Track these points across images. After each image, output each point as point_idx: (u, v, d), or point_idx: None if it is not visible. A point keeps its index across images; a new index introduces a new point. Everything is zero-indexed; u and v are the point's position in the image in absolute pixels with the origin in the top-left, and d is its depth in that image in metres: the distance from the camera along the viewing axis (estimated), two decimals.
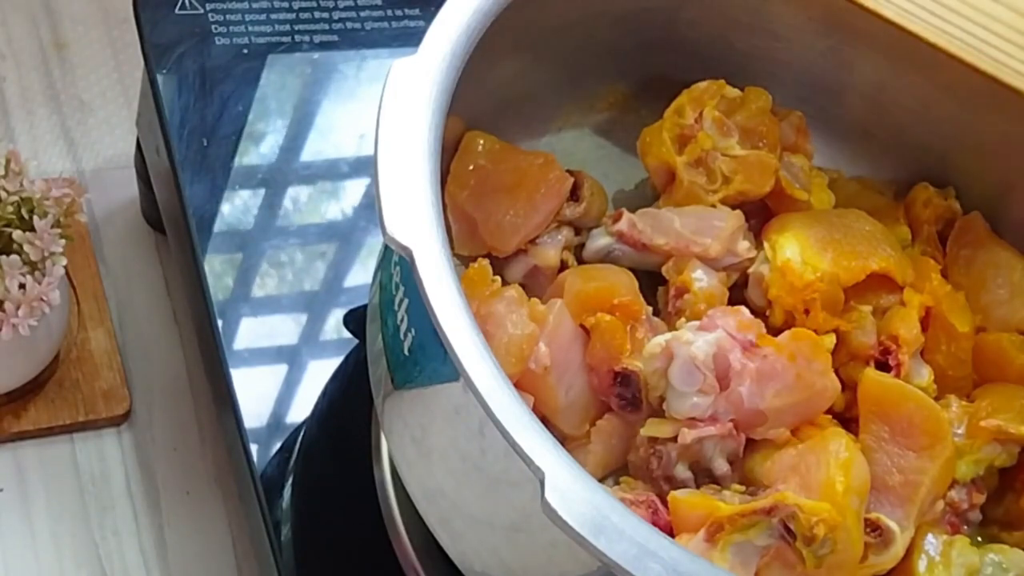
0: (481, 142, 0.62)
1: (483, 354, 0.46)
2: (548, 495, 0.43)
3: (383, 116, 0.50)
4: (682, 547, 0.45)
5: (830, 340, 0.59)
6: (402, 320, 0.52)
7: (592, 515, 0.43)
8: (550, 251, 0.62)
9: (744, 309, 0.58)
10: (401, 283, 0.53)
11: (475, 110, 0.61)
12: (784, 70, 0.70)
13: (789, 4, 0.68)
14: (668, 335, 0.57)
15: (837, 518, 0.51)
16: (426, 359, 0.50)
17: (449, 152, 0.61)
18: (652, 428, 0.56)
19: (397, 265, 0.53)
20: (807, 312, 0.59)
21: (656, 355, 0.56)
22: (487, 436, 0.47)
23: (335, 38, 0.81)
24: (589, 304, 0.58)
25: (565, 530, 0.43)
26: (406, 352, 0.52)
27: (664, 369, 0.56)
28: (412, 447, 0.54)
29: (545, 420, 0.55)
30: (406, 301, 0.52)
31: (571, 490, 0.44)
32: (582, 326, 0.58)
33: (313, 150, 0.77)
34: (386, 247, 0.56)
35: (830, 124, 0.70)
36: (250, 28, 0.80)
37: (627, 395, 0.57)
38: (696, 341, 0.55)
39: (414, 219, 0.48)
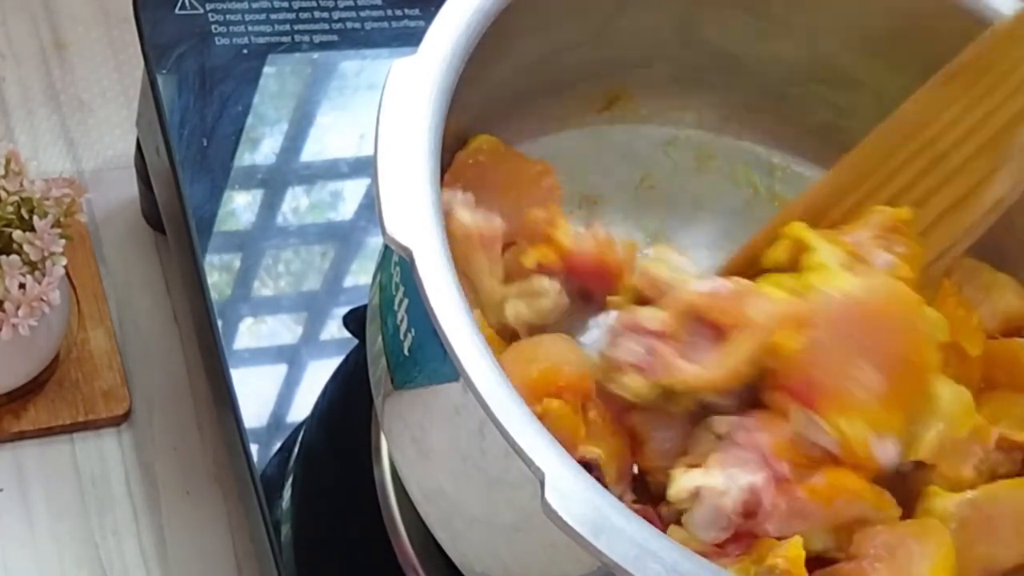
0: (486, 142, 0.62)
1: (483, 354, 0.46)
2: (548, 495, 0.43)
3: (383, 116, 0.51)
4: (682, 547, 0.45)
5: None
6: (402, 320, 0.52)
7: (592, 515, 0.43)
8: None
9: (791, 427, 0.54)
10: (401, 283, 0.53)
11: (475, 110, 0.61)
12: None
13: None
14: (699, 477, 0.52)
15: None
16: (426, 359, 0.50)
17: (449, 152, 0.61)
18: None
19: (397, 265, 0.53)
20: None
21: (684, 500, 0.52)
22: (487, 436, 0.47)
23: (335, 38, 0.81)
24: (536, 391, 0.54)
25: (565, 530, 0.43)
26: (406, 352, 0.52)
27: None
28: (412, 447, 0.54)
29: None
30: (406, 301, 0.52)
31: (571, 490, 0.44)
32: None
33: (313, 150, 0.77)
34: (386, 247, 0.56)
35: None
36: (250, 28, 0.80)
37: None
38: (730, 491, 0.52)
39: (414, 219, 0.48)
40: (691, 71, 0.69)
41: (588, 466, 0.53)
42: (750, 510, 0.52)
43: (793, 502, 0.52)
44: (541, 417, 0.51)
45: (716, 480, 0.52)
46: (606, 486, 0.52)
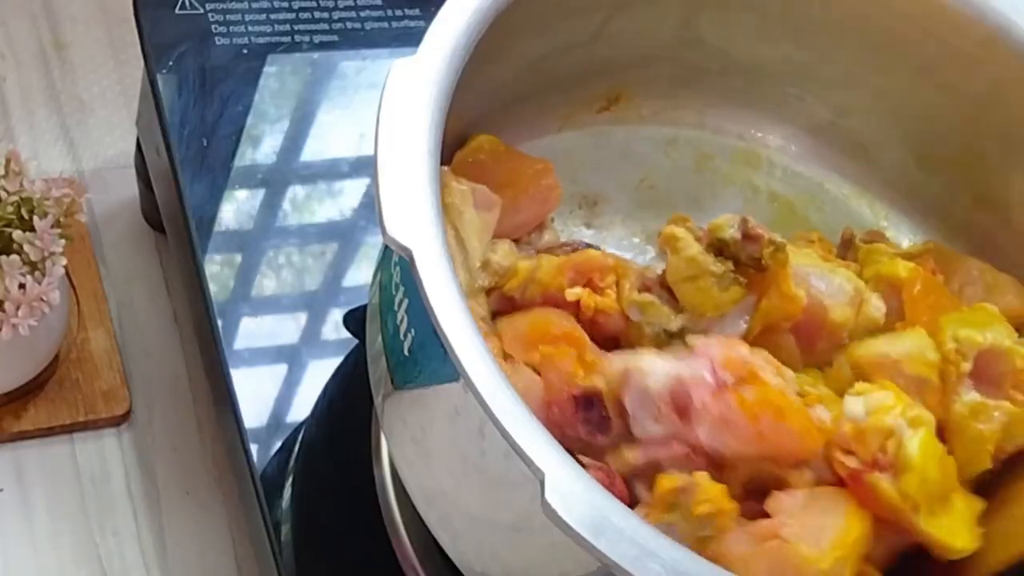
0: (487, 142, 0.62)
1: (483, 354, 0.46)
2: (548, 496, 0.43)
3: (383, 116, 0.50)
4: (682, 547, 0.45)
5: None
6: (402, 320, 0.52)
7: (592, 515, 0.43)
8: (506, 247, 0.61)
9: (751, 353, 0.55)
10: (401, 283, 0.53)
11: (475, 110, 0.61)
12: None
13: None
14: (631, 356, 0.55)
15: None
16: (426, 359, 0.50)
17: (449, 152, 0.61)
18: (620, 458, 0.54)
19: (397, 265, 0.53)
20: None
21: (614, 377, 0.54)
22: (487, 436, 0.47)
23: (335, 38, 0.81)
24: (530, 340, 0.56)
25: (565, 531, 0.43)
26: (406, 352, 0.52)
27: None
28: (412, 447, 0.54)
29: None
30: (406, 301, 0.52)
31: (571, 491, 0.44)
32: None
33: (313, 150, 0.77)
34: (386, 247, 0.56)
35: None
36: (250, 28, 0.80)
37: (594, 418, 0.54)
38: (654, 372, 0.53)
39: (414, 219, 0.48)
40: (691, 71, 0.69)
41: (590, 400, 0.54)
42: (680, 404, 0.53)
43: (723, 409, 0.53)
44: (539, 364, 0.54)
45: (642, 361, 0.54)
46: (608, 417, 0.54)
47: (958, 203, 0.69)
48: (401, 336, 0.52)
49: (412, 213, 0.48)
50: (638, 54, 0.68)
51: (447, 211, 0.56)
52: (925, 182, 0.70)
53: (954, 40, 0.65)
